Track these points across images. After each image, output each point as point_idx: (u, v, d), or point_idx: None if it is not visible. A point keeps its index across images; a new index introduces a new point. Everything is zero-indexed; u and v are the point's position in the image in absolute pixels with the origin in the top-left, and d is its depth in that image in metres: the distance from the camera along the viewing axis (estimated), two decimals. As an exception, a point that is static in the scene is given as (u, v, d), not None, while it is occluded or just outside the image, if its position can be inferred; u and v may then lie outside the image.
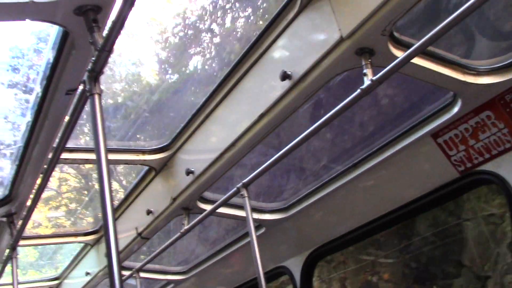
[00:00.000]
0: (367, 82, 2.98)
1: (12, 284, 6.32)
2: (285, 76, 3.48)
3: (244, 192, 4.08)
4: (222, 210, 5.00)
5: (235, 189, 4.18)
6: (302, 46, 3.50)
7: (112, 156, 4.61)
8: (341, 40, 3.07)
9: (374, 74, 2.98)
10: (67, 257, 9.24)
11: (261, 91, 3.90)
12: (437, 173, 4.32)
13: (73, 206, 7.82)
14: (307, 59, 3.35)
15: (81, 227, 7.36)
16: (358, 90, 3.03)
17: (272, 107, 3.71)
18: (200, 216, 4.83)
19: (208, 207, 5.03)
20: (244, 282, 6.75)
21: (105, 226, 2.25)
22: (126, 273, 7.21)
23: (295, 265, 5.65)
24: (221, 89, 4.28)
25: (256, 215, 5.18)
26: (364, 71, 3.06)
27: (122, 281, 2.20)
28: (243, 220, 5.25)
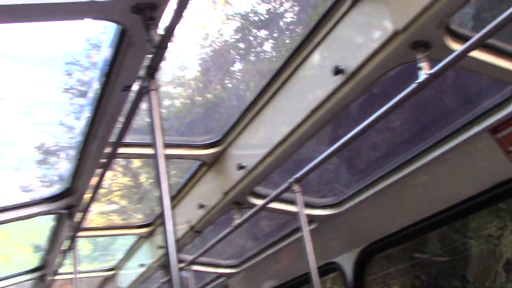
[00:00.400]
0: (423, 76, 2.92)
1: (72, 273, 6.60)
2: (337, 71, 3.45)
3: (296, 187, 4.08)
4: (273, 205, 5.02)
5: (287, 184, 4.18)
6: (355, 40, 3.46)
7: (166, 151, 4.72)
8: (396, 34, 3.02)
9: (430, 67, 2.92)
10: (120, 250, 9.55)
11: (313, 86, 3.89)
12: (495, 170, 4.18)
13: (123, 202, 8.06)
14: (360, 53, 3.31)
15: (132, 222, 7.57)
16: (414, 84, 2.97)
17: (324, 102, 3.69)
18: (251, 211, 4.86)
19: (259, 202, 5.06)
20: (294, 277, 6.76)
21: (163, 219, 2.31)
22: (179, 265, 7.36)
23: (346, 261, 5.61)
24: (272, 84, 4.29)
25: (308, 210, 5.17)
26: (419, 64, 3.00)
27: (179, 272, 2.26)
28: (294, 215, 5.25)
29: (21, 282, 8.01)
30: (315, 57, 3.81)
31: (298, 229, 6.11)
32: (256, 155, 4.62)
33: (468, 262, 7.76)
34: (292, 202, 5.15)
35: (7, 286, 8.09)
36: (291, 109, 4.17)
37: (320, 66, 3.76)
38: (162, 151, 2.54)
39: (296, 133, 4.08)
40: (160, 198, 2.43)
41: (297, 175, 4.12)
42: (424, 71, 2.93)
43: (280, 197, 4.77)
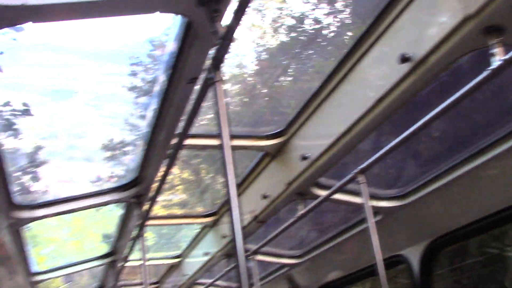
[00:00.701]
0: (496, 62, 2.79)
1: (140, 259, 6.83)
2: (404, 59, 3.35)
3: (360, 178, 4.01)
4: (337, 196, 4.97)
5: (351, 175, 4.13)
6: (423, 26, 3.35)
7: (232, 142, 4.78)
8: (466, 19, 2.90)
9: (505, 53, 2.78)
10: (183, 241, 9.79)
11: (378, 74, 3.80)
12: None
13: (185, 196, 8.23)
14: (428, 40, 3.20)
15: (196, 212, 7.74)
16: (487, 71, 2.84)
17: (390, 91, 3.60)
18: (315, 202, 4.84)
19: (323, 193, 5.02)
20: (359, 269, 6.69)
21: (229, 208, 2.34)
22: (242, 255, 7.46)
23: (413, 255, 5.48)
24: (336, 73, 4.23)
25: (373, 202, 5.08)
26: (493, 50, 2.87)
27: (245, 261, 2.28)
28: (359, 206, 5.18)
29: (94, 267, 8.40)
30: (381, 45, 3.72)
31: (362, 221, 6.02)
32: (319, 145, 4.58)
33: (506, 269, 8.07)
34: (356, 193, 5.08)
35: (81, 270, 8.53)
36: (356, 98, 4.10)
37: (386, 54, 3.67)
38: (228, 142, 2.56)
39: (361, 123, 4.01)
40: (227, 188, 2.46)
41: (362, 166, 4.05)
42: (498, 57, 2.80)
43: (344, 188, 4.72)
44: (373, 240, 4.04)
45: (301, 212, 5.08)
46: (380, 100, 3.69)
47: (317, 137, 4.75)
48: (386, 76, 3.62)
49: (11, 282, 5.95)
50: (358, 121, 4.00)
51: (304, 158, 4.75)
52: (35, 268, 7.61)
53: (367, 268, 6.38)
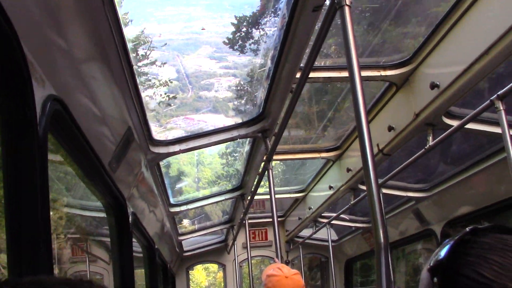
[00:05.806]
0: None
1: (267, 194, 7.09)
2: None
3: (499, 105, 3.73)
4: (471, 126, 4.70)
5: (487, 102, 3.85)
6: None
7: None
8: None
9: None
10: (305, 175, 9.94)
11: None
12: None
13: (308, 129, 8.20)
14: None
15: (320, 146, 7.75)
16: None
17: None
18: (447, 132, 4.62)
19: (454, 123, 4.77)
20: (491, 204, 6.37)
21: (360, 139, 2.30)
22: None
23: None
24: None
25: (512, 131, 4.73)
26: None
27: (378, 190, 2.26)
28: (496, 136, 4.87)
29: (223, 200, 8.92)
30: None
31: (497, 153, 5.68)
32: (451, 72, 4.32)
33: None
34: (493, 122, 4.77)
35: (212, 203, 9.10)
36: (493, 20, 3.76)
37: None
38: (358, 72, 2.47)
39: (499, 46, 3.69)
40: (357, 121, 2.41)
41: (500, 92, 3.75)
42: None
43: (479, 118, 4.43)
44: (512, 170, 3.77)
45: (430, 143, 4.88)
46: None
47: (448, 64, 4.47)
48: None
49: (152, 214, 6.49)
50: (495, 44, 3.69)
51: (434, 86, 4.51)
52: (172, 200, 8.24)
53: (502, 202, 6.07)
